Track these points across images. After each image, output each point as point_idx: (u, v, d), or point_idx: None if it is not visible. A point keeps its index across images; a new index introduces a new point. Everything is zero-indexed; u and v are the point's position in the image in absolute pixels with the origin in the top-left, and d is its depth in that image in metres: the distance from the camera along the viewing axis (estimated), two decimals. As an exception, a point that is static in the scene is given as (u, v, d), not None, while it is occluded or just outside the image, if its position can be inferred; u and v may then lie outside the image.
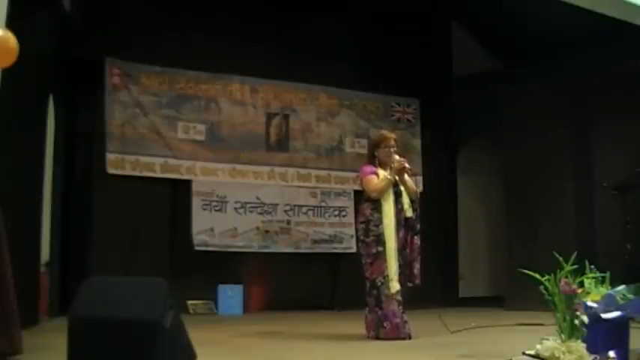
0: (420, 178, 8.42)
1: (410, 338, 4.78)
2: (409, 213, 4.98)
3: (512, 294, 7.40)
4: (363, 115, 8.33)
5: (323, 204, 7.94)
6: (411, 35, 8.27)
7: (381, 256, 4.82)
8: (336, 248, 7.78)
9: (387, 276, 4.79)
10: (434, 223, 8.40)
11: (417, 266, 5.02)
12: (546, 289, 3.33)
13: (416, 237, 5.06)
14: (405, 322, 4.83)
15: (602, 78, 7.31)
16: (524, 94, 7.90)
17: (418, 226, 5.07)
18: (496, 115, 8.10)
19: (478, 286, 8.87)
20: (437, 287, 8.25)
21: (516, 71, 8.03)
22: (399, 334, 4.77)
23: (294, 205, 7.79)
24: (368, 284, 4.89)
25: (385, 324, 4.81)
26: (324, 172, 7.99)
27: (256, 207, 7.58)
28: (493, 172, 8.73)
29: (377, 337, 4.83)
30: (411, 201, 5.04)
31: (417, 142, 8.58)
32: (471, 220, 9.04)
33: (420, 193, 8.14)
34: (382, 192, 4.89)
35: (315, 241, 7.84)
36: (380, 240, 4.83)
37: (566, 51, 7.37)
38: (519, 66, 8.03)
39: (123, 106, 7.03)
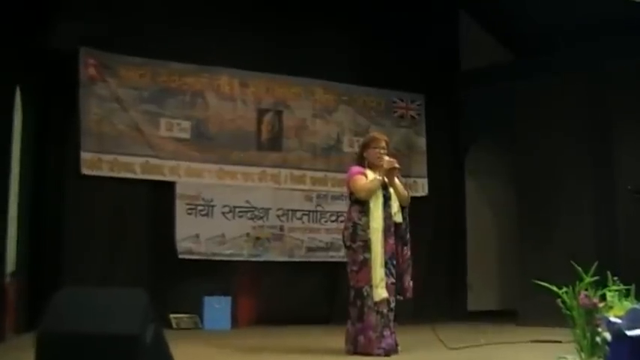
0: (424, 180, 8.50)
1: (387, 355, 4.75)
2: (399, 218, 5.03)
3: (526, 307, 7.39)
4: (363, 112, 8.34)
5: (319, 208, 7.93)
6: (414, 25, 8.28)
7: (367, 264, 4.85)
8: (333, 257, 7.75)
9: (373, 284, 4.82)
10: (440, 229, 8.47)
11: (407, 279, 5.05)
12: (564, 302, 3.31)
13: (405, 247, 5.07)
14: (384, 337, 4.80)
15: (624, 71, 7.30)
16: (538, 90, 7.89)
17: (408, 236, 5.10)
18: (508, 112, 8.09)
19: (488, 297, 8.88)
20: (443, 299, 8.27)
21: (530, 64, 8.02)
22: (372, 349, 4.78)
23: (288, 210, 7.78)
24: (352, 293, 4.94)
25: (360, 337, 4.85)
26: (320, 174, 7.99)
27: (246, 211, 7.57)
28: (504, 174, 8.74)
29: (355, 352, 4.85)
30: (402, 207, 5.07)
31: (422, 141, 8.61)
32: (480, 226, 9.05)
33: (425, 197, 8.37)
34: (370, 193, 4.93)
35: (311, 249, 7.84)
36: (367, 246, 4.86)
37: (583, 41, 7.35)
38: (533, 59, 8.02)
39: (99, 100, 7.02)
